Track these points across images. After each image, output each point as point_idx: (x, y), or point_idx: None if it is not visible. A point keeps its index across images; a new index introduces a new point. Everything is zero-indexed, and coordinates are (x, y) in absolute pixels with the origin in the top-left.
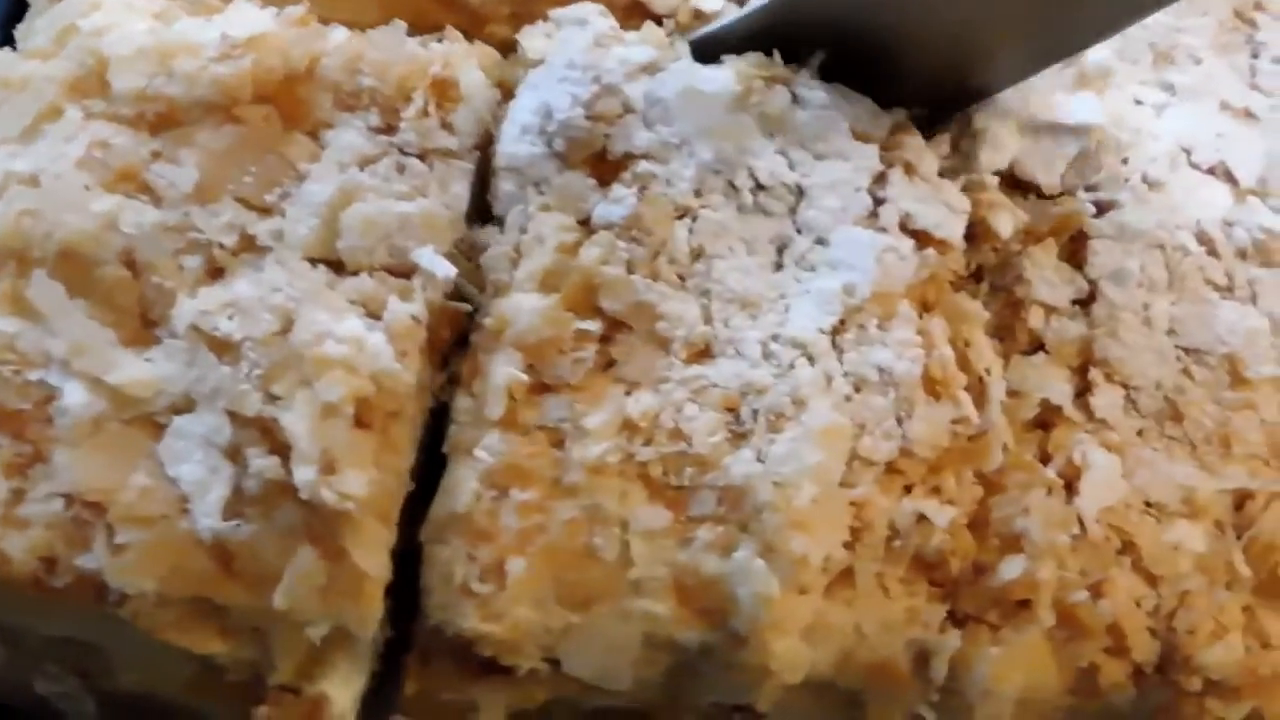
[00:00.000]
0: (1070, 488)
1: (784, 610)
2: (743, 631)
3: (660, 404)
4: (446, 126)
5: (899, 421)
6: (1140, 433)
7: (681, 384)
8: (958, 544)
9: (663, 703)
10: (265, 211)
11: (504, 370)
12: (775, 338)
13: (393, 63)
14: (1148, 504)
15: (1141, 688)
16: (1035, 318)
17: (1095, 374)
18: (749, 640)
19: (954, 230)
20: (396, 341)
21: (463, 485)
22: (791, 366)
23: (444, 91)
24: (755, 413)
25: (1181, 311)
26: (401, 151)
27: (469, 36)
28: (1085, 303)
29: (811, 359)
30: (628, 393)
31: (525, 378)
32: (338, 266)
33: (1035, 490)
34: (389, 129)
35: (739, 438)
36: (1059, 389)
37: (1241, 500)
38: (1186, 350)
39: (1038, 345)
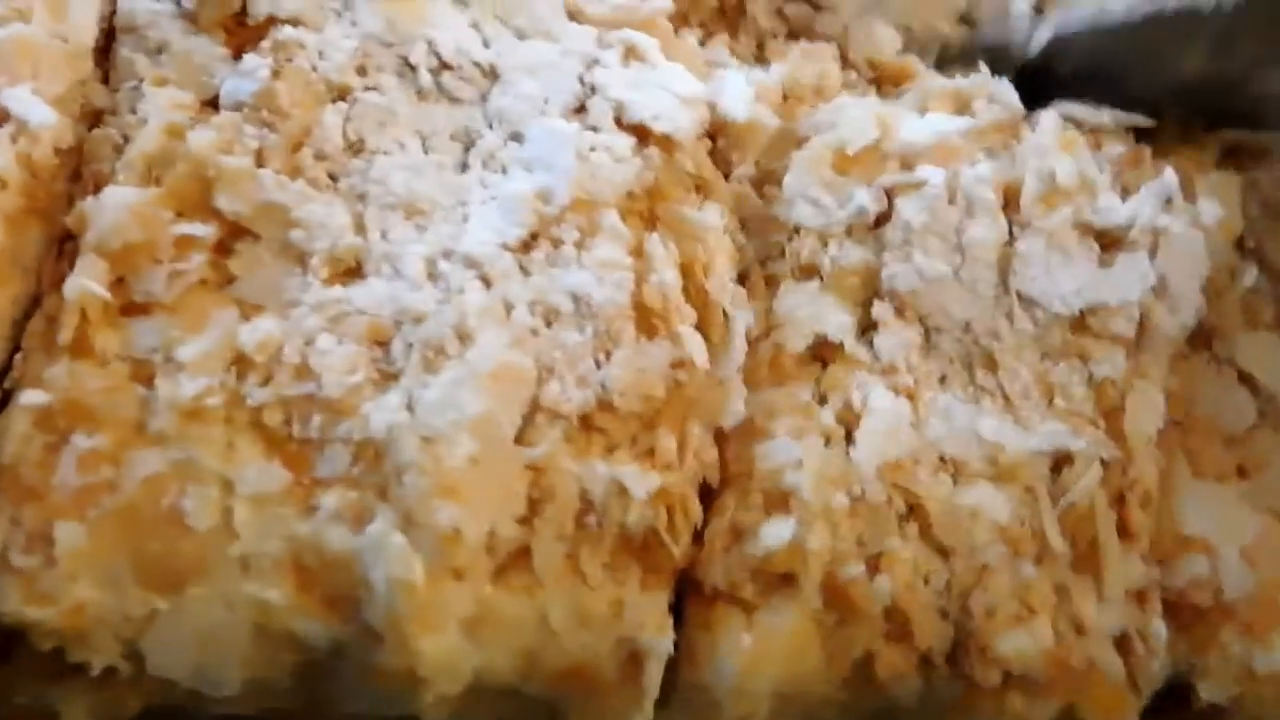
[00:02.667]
0: (849, 437)
1: (431, 599)
2: (378, 625)
3: (286, 332)
4: None
5: (597, 364)
6: (942, 380)
7: (317, 309)
8: (675, 520)
9: (301, 712)
10: None
11: (78, 282)
12: (446, 254)
13: None
14: (942, 460)
15: (929, 680)
16: (805, 245)
17: (882, 308)
18: (386, 637)
19: (681, 123)
20: None
21: (13, 428)
22: (461, 291)
23: None
24: (409, 348)
25: (1028, 250)
26: None
27: None
28: (877, 222)
29: (487, 281)
30: (245, 318)
31: (104, 294)
32: None
33: (810, 437)
34: None
35: (385, 379)
36: (837, 320)
37: (1060, 463)
38: (1019, 296)
39: (812, 271)
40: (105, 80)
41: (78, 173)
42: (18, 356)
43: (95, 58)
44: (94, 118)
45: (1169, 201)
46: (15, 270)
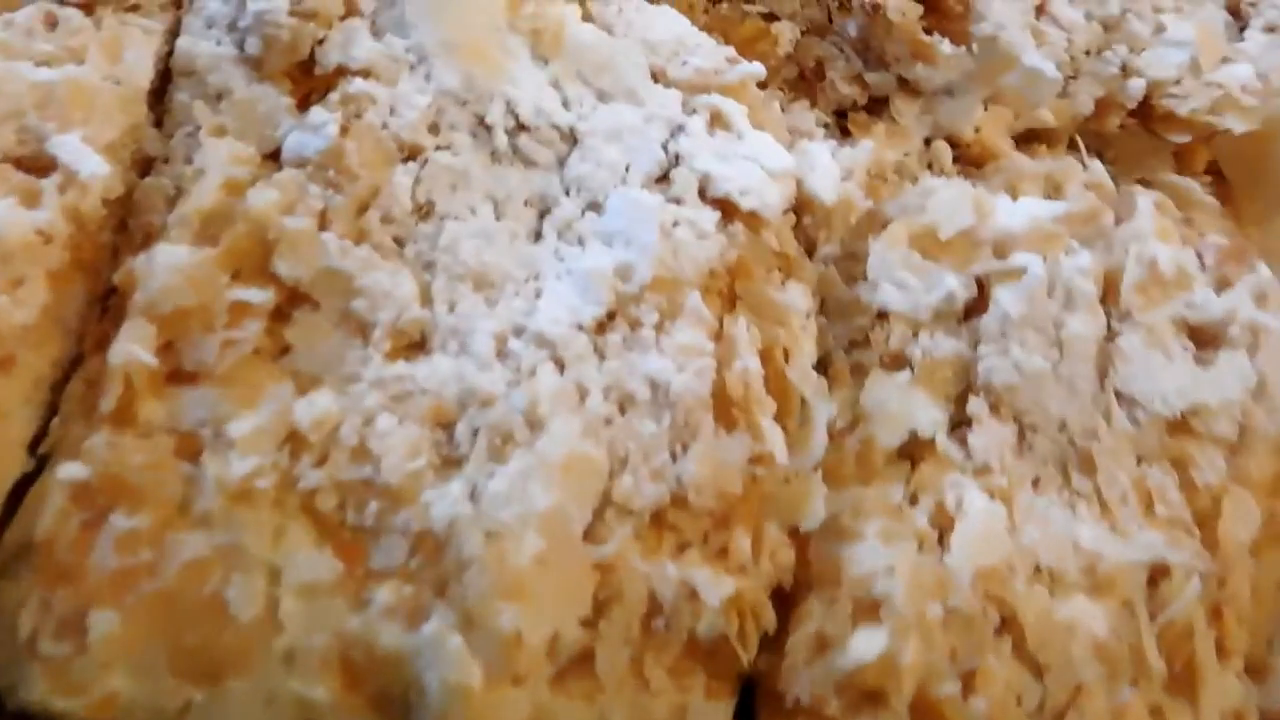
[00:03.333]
0: (942, 541)
1: (487, 705)
2: None
3: (344, 410)
4: None
5: (673, 456)
6: (1036, 482)
7: (377, 386)
8: (746, 627)
9: None
10: None
11: (124, 348)
12: (517, 332)
13: None
14: (1038, 569)
15: None
16: (893, 332)
17: (977, 404)
18: None
19: (768, 199)
20: (10, 266)
21: (49, 501)
22: (533, 373)
23: None
24: (475, 433)
25: (1128, 346)
26: None
27: None
28: (971, 311)
29: (561, 364)
30: (301, 392)
31: (152, 360)
32: None
33: (902, 541)
34: None
35: (448, 466)
36: (929, 416)
37: (1156, 575)
38: (1118, 394)
39: (901, 362)
40: (159, 124)
41: (124, 223)
42: (54, 421)
43: (150, 100)
44: (145, 165)
45: (1264, 296)
46: (57, 329)
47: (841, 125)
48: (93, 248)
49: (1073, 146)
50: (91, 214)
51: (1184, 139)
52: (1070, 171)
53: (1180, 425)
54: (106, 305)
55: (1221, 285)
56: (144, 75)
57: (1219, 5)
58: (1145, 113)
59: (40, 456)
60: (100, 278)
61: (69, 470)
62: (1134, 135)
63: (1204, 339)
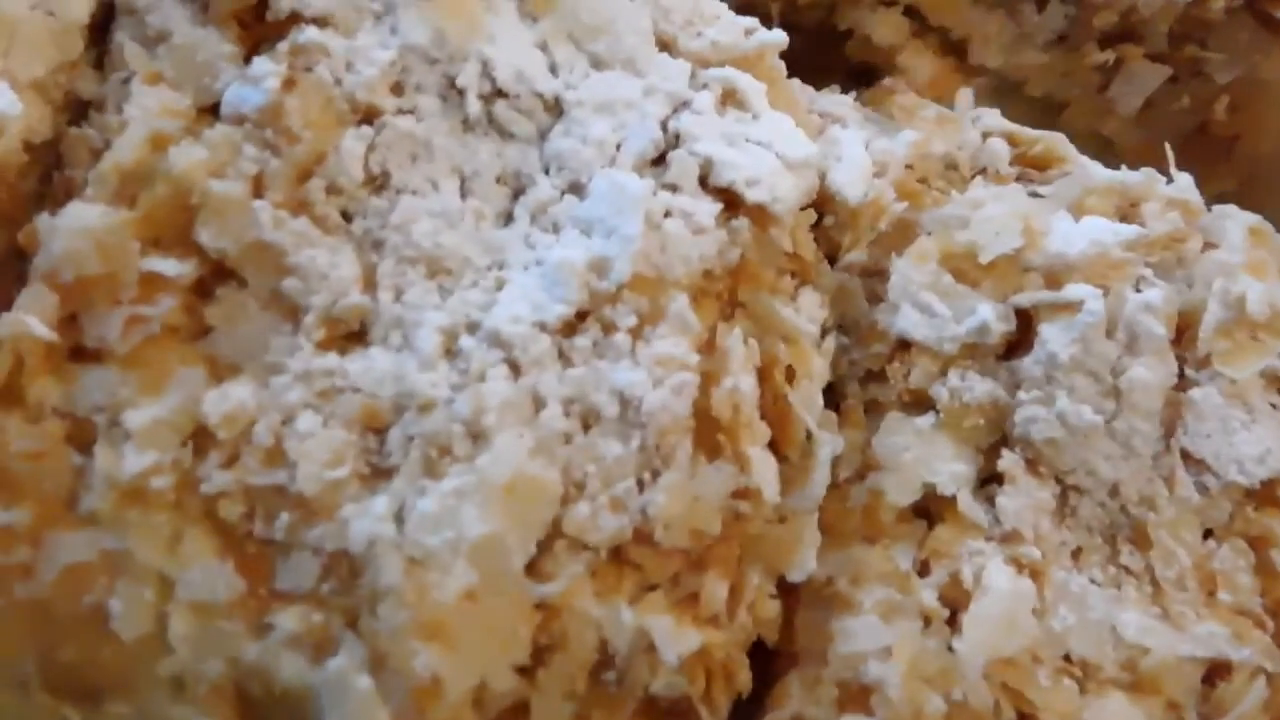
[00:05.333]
0: (953, 620)
1: None
2: None
3: (261, 404)
4: None
5: (641, 485)
6: (1077, 554)
7: (302, 379)
8: (714, 688)
9: None
10: None
11: (16, 318)
12: (470, 328)
13: None
14: (1068, 660)
15: None
16: (917, 367)
17: (1011, 459)
18: None
19: (781, 192)
20: None
21: None
22: (482, 377)
23: None
24: (409, 441)
25: (1204, 400)
26: None
27: None
28: (1012, 349)
29: (516, 368)
30: (215, 379)
31: (48, 334)
32: None
33: (905, 618)
34: None
35: (375, 477)
36: (951, 470)
37: (1214, 674)
38: (1186, 456)
39: (925, 402)
40: (99, 65)
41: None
42: None
43: (90, 37)
44: (80, 109)
45: None
46: None
47: (886, 111)
48: (10, 196)
49: (1155, 157)
50: (9, 158)
51: None
52: (1151, 186)
53: (1263, 495)
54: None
55: None
56: (82, 7)
57: None
58: None
59: None
60: (23, 213)
61: None
62: (1240, 23)
63: None
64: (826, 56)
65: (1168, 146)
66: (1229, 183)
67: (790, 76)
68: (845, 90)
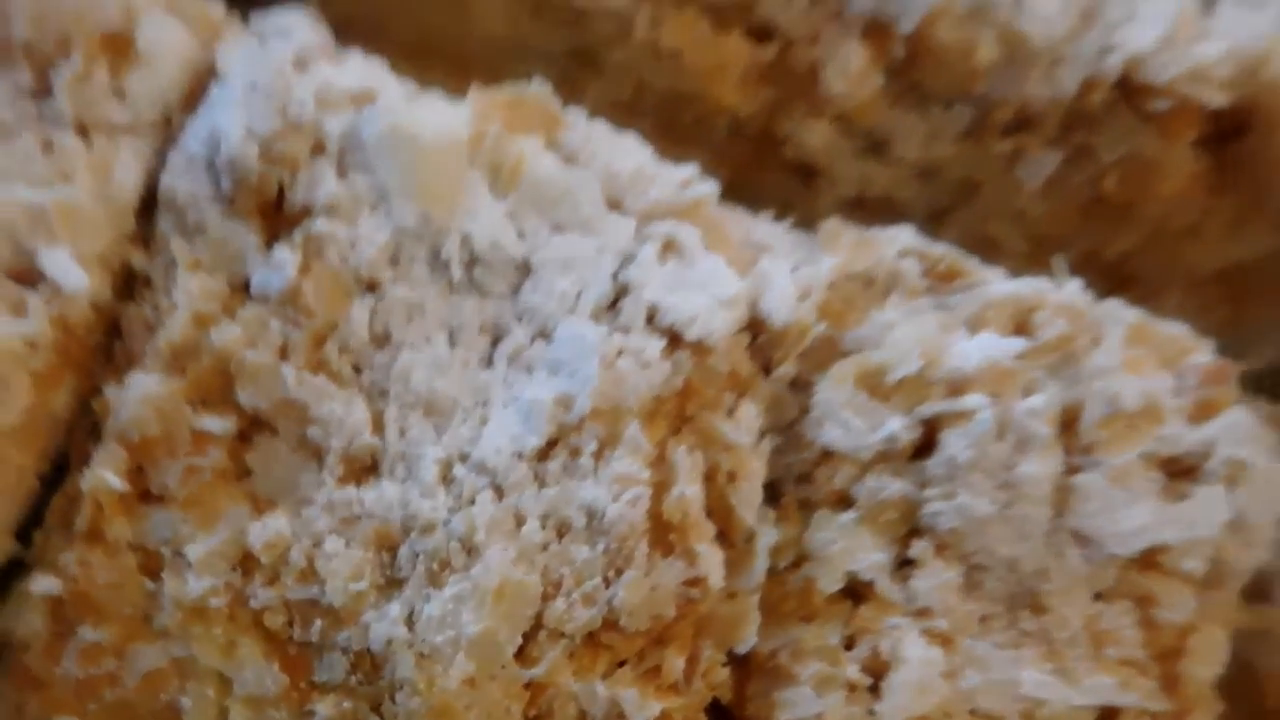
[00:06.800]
0: (875, 689)
1: None
2: None
3: (295, 532)
4: (118, 94)
5: (606, 582)
6: (983, 621)
7: (327, 509)
8: None
9: None
10: None
11: (96, 473)
12: (462, 458)
13: (54, 7)
14: (973, 715)
15: None
16: (839, 471)
17: (921, 546)
18: None
19: (715, 327)
20: None
21: (25, 613)
22: (472, 501)
23: (118, 49)
24: (416, 557)
25: (1088, 485)
26: (52, 122)
27: None
28: (920, 452)
29: (500, 491)
30: (257, 513)
31: (120, 485)
32: None
33: (834, 689)
34: (41, 92)
35: (390, 586)
36: (871, 559)
37: (1105, 718)
38: (1075, 534)
39: (846, 501)
40: (146, 238)
41: (115, 325)
42: (38, 533)
43: (139, 212)
44: (131, 276)
45: (1244, 429)
46: (43, 425)
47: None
48: (81, 350)
49: (1044, 264)
50: (80, 320)
51: (1164, 105)
52: (1042, 296)
53: (1145, 562)
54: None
55: (1202, 410)
56: (132, 192)
57: None
58: (1125, 87)
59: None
60: (91, 374)
61: (43, 584)
62: (1117, 113)
63: (1178, 471)
64: (770, 158)
65: (1059, 260)
66: (1132, 239)
67: (740, 178)
68: (785, 187)
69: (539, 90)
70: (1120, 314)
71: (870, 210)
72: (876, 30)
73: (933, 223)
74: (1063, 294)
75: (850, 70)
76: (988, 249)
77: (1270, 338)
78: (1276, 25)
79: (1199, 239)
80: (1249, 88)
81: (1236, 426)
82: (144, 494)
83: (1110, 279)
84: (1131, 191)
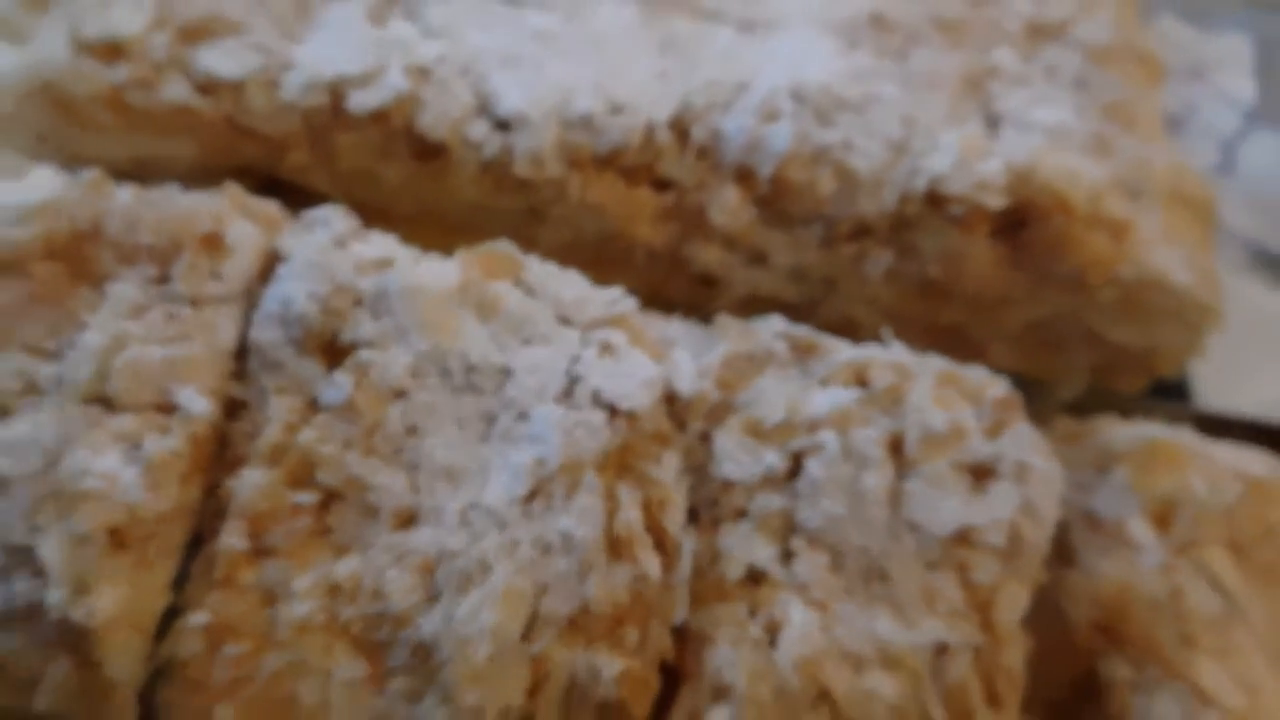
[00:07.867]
0: (773, 642)
1: None
2: None
3: (364, 568)
4: (216, 276)
5: (580, 581)
6: (847, 591)
7: (385, 550)
8: (634, 692)
9: None
10: (48, 358)
11: (226, 540)
12: (473, 506)
13: (168, 220)
14: (845, 655)
15: None
16: (736, 495)
17: (798, 542)
18: None
19: (641, 401)
20: (152, 474)
21: (185, 638)
22: (484, 535)
23: (213, 245)
24: (449, 576)
25: (912, 489)
26: (173, 300)
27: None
28: (791, 476)
29: (502, 526)
30: (337, 557)
31: (243, 546)
32: (110, 405)
33: (744, 644)
34: (163, 279)
35: (432, 599)
36: (764, 553)
37: (941, 652)
38: (907, 524)
39: (742, 514)
40: (241, 371)
41: (225, 439)
42: (188, 585)
43: (236, 357)
44: (232, 401)
45: (1026, 440)
46: (185, 509)
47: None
48: (204, 455)
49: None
50: (204, 436)
51: (960, 210)
52: (875, 358)
53: (960, 540)
54: (217, 495)
55: (996, 428)
56: (230, 344)
57: (979, 119)
58: (932, 200)
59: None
60: (210, 470)
61: (197, 619)
62: (929, 219)
63: (980, 473)
64: (678, 274)
65: (886, 330)
66: (957, 310)
67: (656, 291)
68: (691, 294)
69: (504, 245)
70: (932, 365)
71: (758, 306)
72: (745, 175)
73: (806, 312)
74: (889, 354)
75: (729, 206)
76: (850, 328)
77: (1072, 375)
78: (1044, 142)
79: (1008, 305)
80: (1024, 191)
81: (1022, 438)
82: (259, 550)
83: (945, 340)
84: (950, 276)
